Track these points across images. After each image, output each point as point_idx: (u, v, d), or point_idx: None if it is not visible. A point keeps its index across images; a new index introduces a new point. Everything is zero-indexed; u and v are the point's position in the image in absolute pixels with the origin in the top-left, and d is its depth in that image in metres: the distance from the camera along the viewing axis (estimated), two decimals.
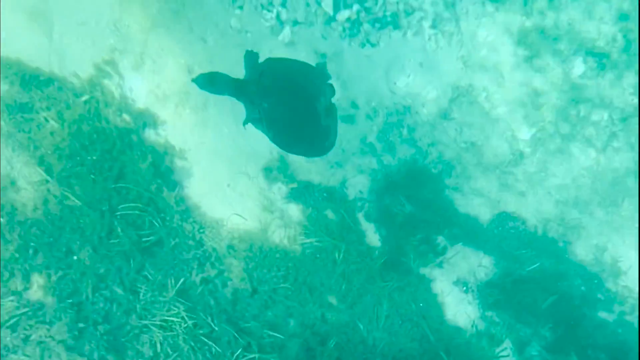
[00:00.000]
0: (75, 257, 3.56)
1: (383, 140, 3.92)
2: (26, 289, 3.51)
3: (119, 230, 3.56)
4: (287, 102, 2.70)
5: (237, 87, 2.74)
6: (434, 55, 3.75)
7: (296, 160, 3.97)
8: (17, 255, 3.60)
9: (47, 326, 3.34)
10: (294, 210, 3.87)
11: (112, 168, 3.77)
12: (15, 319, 3.38)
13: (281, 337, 3.49)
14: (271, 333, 3.51)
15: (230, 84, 2.75)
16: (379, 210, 3.87)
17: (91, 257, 3.56)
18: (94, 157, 3.77)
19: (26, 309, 3.36)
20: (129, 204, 3.68)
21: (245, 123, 2.88)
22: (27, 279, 3.51)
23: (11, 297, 3.45)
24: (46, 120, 3.91)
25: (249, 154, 3.91)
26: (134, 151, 3.90)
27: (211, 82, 2.76)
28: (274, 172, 3.90)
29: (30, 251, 3.54)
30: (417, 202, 3.83)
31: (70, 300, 3.45)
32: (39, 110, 3.91)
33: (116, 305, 3.54)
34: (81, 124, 3.89)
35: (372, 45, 3.76)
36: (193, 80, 2.78)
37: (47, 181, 3.80)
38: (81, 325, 3.50)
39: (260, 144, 4.04)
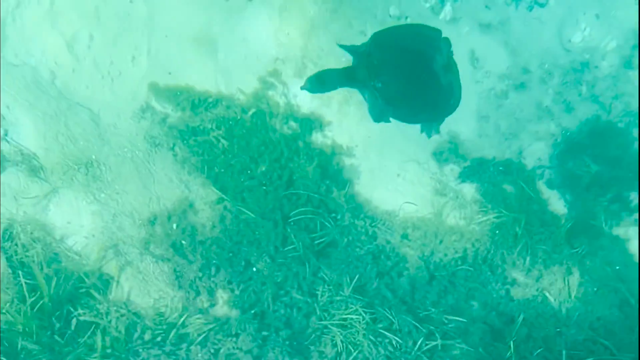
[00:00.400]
0: (254, 269, 3.67)
1: (560, 102, 3.77)
2: (212, 305, 3.67)
3: (292, 236, 3.64)
4: (401, 73, 2.51)
5: (347, 76, 2.55)
6: (610, 2, 3.58)
7: (468, 139, 3.88)
8: (200, 274, 3.83)
9: (234, 338, 3.45)
10: (469, 189, 3.80)
11: (282, 176, 3.95)
12: (203, 335, 3.59)
13: (464, 320, 3.43)
14: (453, 318, 3.45)
15: (339, 75, 2.56)
16: (561, 175, 3.73)
17: (269, 266, 3.65)
18: (263, 168, 3.92)
19: (213, 325, 3.49)
20: (300, 209, 3.77)
21: (376, 119, 2.70)
22: (212, 295, 3.66)
23: (198, 315, 3.68)
24: (217, 139, 4.06)
25: (417, 140, 3.81)
26: (301, 157, 3.96)
27: (320, 82, 2.55)
28: (444, 154, 3.84)
29: (213, 269, 3.65)
30: (604, 160, 3.66)
31: (252, 311, 3.55)
32: (209, 131, 4.07)
33: (296, 310, 3.60)
34: (250, 138, 4.04)
35: (541, 5, 3.65)
36: (302, 88, 2.55)
37: (223, 199, 4.00)
38: (264, 333, 3.64)
39: None
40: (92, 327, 3.37)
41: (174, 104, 4.05)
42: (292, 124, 4.05)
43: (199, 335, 3.56)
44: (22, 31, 3.94)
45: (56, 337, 3.26)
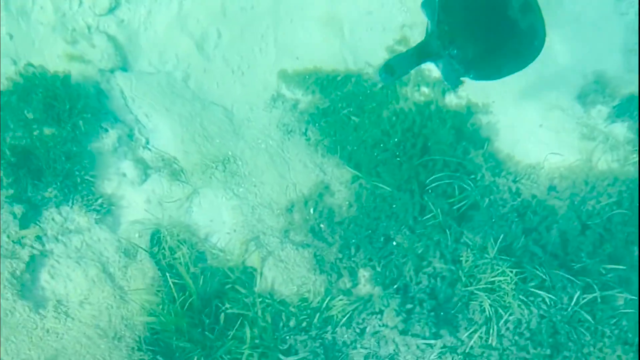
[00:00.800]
0: (394, 243, 5.06)
1: None
2: (354, 285, 5.06)
3: (431, 204, 4.98)
4: (476, 31, 3.54)
5: (419, 54, 3.70)
6: None
7: (615, 76, 5.08)
8: (340, 255, 5.35)
9: (378, 315, 5.02)
10: (620, 129, 5.07)
11: (415, 145, 5.48)
12: (347, 316, 5.11)
13: (624, 268, 4.53)
14: (612, 267, 4.57)
15: (411, 56, 3.72)
16: None
17: (409, 238, 4.99)
18: (396, 140, 5.56)
19: (356, 304, 4.91)
20: (437, 175, 5.42)
21: (454, 86, 4.17)
22: (353, 275, 5.04)
23: (341, 297, 5.22)
24: (348, 117, 6.51)
25: (558, 86, 5.19)
26: (434, 122, 5.52)
27: (389, 71, 3.75)
28: (590, 96, 5.07)
29: (352, 248, 5.05)
30: None
31: (395, 286, 4.91)
32: (340, 110, 6.43)
33: (440, 280, 4.90)
34: (380, 111, 5.55)
35: None
36: (380, 80, 3.98)
37: (357, 177, 6.02)
38: (408, 306, 5.05)
39: (569, 70, 5.52)
40: (240, 320, 5.05)
41: (304, 89, 5.89)
42: (424, 89, 5.68)
43: (343, 316, 5.11)
44: (155, 38, 6.23)
45: (207, 333, 4.95)
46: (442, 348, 5.19)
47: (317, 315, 5.13)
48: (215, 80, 6.32)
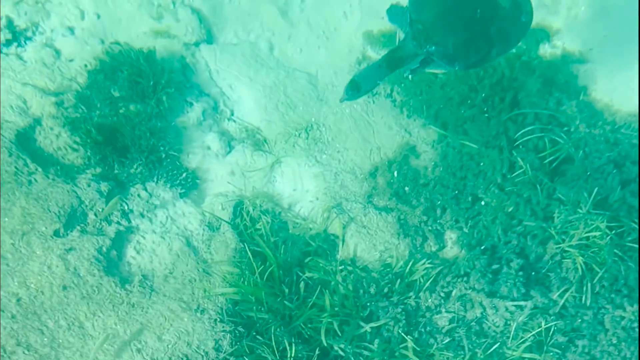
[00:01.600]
0: (482, 203, 7.15)
1: None
2: (440, 248, 6.98)
3: (520, 160, 7.01)
4: (453, 22, 4.66)
5: (390, 61, 4.92)
6: None
7: None
8: (425, 218, 7.31)
9: (464, 278, 6.55)
10: None
11: (504, 99, 7.29)
12: (431, 280, 6.96)
13: None
14: None
15: (379, 67, 4.92)
16: None
17: (497, 196, 7.05)
18: (483, 95, 7.40)
19: (440, 267, 6.71)
20: (527, 129, 7.15)
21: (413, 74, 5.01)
22: (439, 238, 7.00)
23: (424, 261, 7.05)
24: (434, 75, 8.83)
25: None
26: (525, 74, 7.30)
27: (355, 88, 5.09)
28: None
29: (438, 210, 7.35)
30: None
31: (482, 247, 6.74)
32: None
33: (530, 238, 6.55)
34: None
35: None
36: (342, 100, 5.36)
37: (444, 136, 8.35)
38: (495, 267, 6.70)
39: None
40: (319, 288, 6.85)
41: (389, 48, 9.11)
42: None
43: (426, 280, 6.94)
44: (239, 9, 8.62)
45: (286, 302, 6.75)
46: (532, 309, 6.73)
47: (399, 280, 7.00)
48: (299, 47, 8.61)
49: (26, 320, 6.32)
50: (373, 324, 6.84)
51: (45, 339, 6.11)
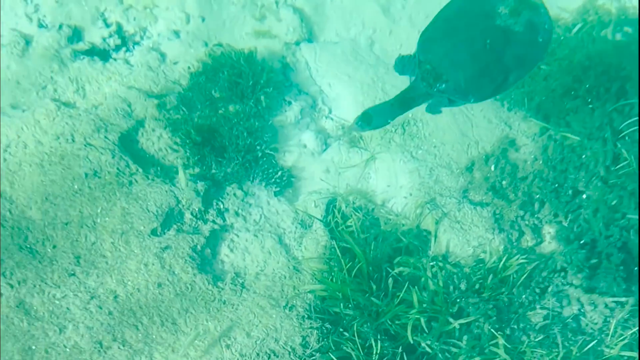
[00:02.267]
0: (583, 196, 7.58)
1: None
2: (538, 243, 7.44)
3: (625, 152, 7.23)
4: (462, 57, 4.99)
5: (402, 102, 5.32)
6: None
7: None
8: (522, 212, 7.74)
9: (562, 273, 7.08)
10: None
11: (610, 89, 7.64)
12: (526, 275, 7.29)
13: None
14: None
15: (392, 105, 5.35)
16: None
17: (600, 189, 7.35)
18: (587, 85, 7.82)
19: (536, 262, 7.09)
20: (634, 119, 7.41)
21: (433, 111, 5.36)
22: (537, 232, 7.44)
23: (518, 256, 7.39)
24: (538, 67, 9.48)
25: None
26: (634, 63, 7.65)
27: (366, 120, 5.35)
28: None
29: (536, 204, 8.02)
30: None
31: (581, 241, 7.17)
32: None
33: (634, 232, 6.93)
34: (573, 57, 8.12)
35: None
36: (354, 129, 5.47)
37: (545, 129, 8.92)
38: (593, 261, 7.10)
39: None
40: (406, 284, 7.27)
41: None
42: (627, 29, 8.05)
43: (521, 276, 7.30)
44: (341, 7, 9.49)
45: (373, 298, 7.21)
46: (633, 306, 6.90)
47: (491, 276, 7.35)
48: (400, 42, 9.35)
49: (122, 317, 6.92)
50: (462, 321, 7.11)
51: (140, 335, 6.62)
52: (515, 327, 7.09)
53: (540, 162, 7.89)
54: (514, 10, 5.02)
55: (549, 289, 7.28)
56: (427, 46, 5.17)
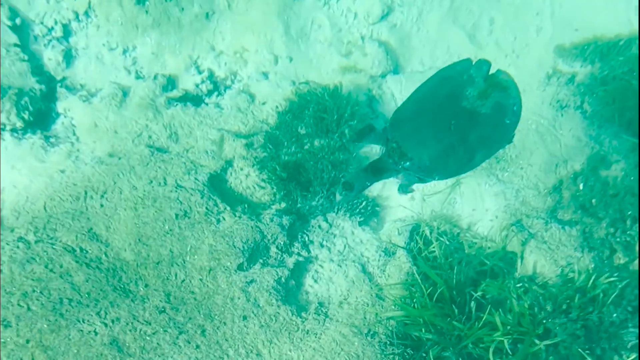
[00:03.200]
0: None
1: None
2: (630, 260, 7.36)
3: None
4: (427, 137, 5.26)
5: (374, 171, 5.53)
6: None
7: None
8: (612, 229, 7.87)
9: None
10: None
11: None
12: (616, 294, 7.01)
13: None
14: None
15: (367, 172, 5.53)
16: None
17: None
18: None
19: (627, 280, 7.00)
20: None
21: (405, 191, 5.69)
22: (630, 249, 7.34)
23: (608, 274, 7.23)
24: (628, 81, 9.16)
25: None
26: None
27: (351, 185, 5.50)
28: None
29: (628, 221, 8.09)
30: None
31: None
32: (620, 76, 8.85)
33: None
34: None
35: None
36: (338, 201, 6.08)
37: (638, 144, 8.85)
38: None
39: None
40: (488, 308, 7.15)
41: (581, 60, 8.65)
42: None
43: (611, 294, 7.02)
44: (427, 37, 9.99)
45: (455, 322, 7.16)
46: None
47: (579, 295, 7.18)
48: None
49: (209, 350, 7.16)
50: (549, 342, 7.01)
51: None
52: (607, 346, 6.82)
53: (632, 178, 7.60)
54: (483, 93, 5.30)
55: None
56: (396, 125, 5.43)
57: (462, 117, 5.34)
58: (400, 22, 9.71)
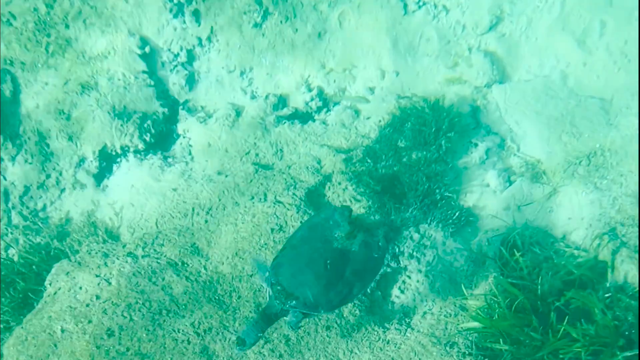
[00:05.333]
0: None
1: None
2: None
3: None
4: (306, 277, 6.14)
5: (264, 317, 6.17)
6: None
7: None
8: None
9: None
10: None
11: None
12: None
13: None
14: None
15: (257, 322, 6.20)
16: None
17: None
18: None
19: None
20: None
21: (295, 327, 6.24)
22: None
23: None
24: None
25: None
26: None
27: (240, 343, 6.12)
28: None
29: None
30: None
31: None
32: None
33: None
34: None
35: None
36: (238, 350, 6.18)
37: None
38: None
39: None
40: (566, 318, 6.92)
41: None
42: None
43: None
44: (535, 45, 9.35)
45: (532, 333, 6.96)
46: None
47: None
48: (596, 73, 9.16)
49: (290, 358, 7.57)
50: (629, 353, 6.78)
51: None
52: None
53: None
54: (350, 234, 6.49)
55: None
56: (277, 270, 6.21)
57: (335, 257, 6.39)
58: (509, 31, 9.80)
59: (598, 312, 6.77)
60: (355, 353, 7.35)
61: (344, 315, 7.62)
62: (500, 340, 6.93)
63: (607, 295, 7.12)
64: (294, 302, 6.19)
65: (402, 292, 8.07)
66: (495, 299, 7.34)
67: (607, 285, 7.47)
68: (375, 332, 7.52)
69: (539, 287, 7.35)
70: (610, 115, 8.68)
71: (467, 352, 7.16)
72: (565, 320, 6.86)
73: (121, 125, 9.85)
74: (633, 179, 7.85)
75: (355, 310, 7.67)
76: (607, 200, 8.01)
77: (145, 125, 9.97)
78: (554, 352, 6.82)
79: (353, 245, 6.46)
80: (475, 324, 7.23)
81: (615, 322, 6.77)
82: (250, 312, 7.60)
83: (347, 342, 7.45)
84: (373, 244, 6.59)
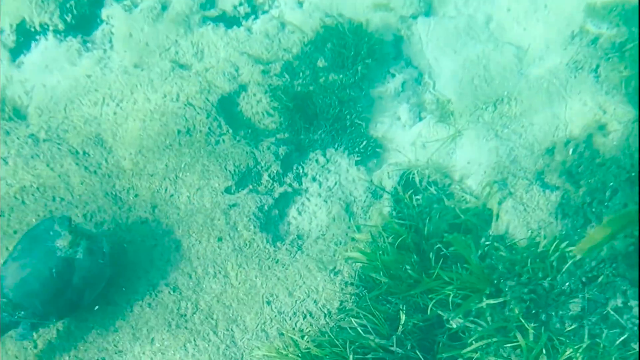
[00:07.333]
0: None
1: None
2: None
3: None
4: (36, 285, 6.81)
5: None
6: None
7: None
8: (589, 199, 7.46)
9: (613, 264, 6.88)
10: None
11: None
12: (573, 263, 7.06)
13: None
14: None
15: None
16: None
17: None
18: None
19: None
20: None
21: (26, 338, 6.82)
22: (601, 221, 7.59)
23: (566, 242, 7.21)
24: None
25: None
26: None
27: None
28: None
29: (607, 192, 7.72)
30: None
31: None
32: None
33: None
34: None
35: None
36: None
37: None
38: None
39: None
40: (440, 261, 7.52)
41: (608, 22, 8.73)
42: None
43: (567, 263, 7.11)
44: None
45: (410, 271, 7.54)
46: None
47: (531, 259, 7.59)
48: (517, 20, 9.58)
49: (179, 264, 8.11)
50: (492, 301, 7.38)
51: (191, 283, 7.87)
52: (553, 313, 7.12)
53: (619, 149, 7.74)
54: (72, 242, 6.99)
55: (599, 280, 7.23)
56: (1, 283, 6.56)
57: (61, 265, 6.89)
58: None
59: (473, 258, 7.35)
60: (244, 268, 7.81)
61: (238, 229, 8.09)
62: (381, 273, 7.48)
63: (487, 243, 7.76)
64: (22, 312, 6.66)
65: (299, 213, 8.57)
66: (382, 234, 7.85)
67: (489, 233, 7.98)
68: (267, 250, 8.02)
69: (426, 227, 7.85)
70: (522, 65, 9.17)
71: (349, 282, 7.64)
72: (443, 262, 7.50)
73: (42, 1, 9.88)
74: (532, 130, 8.29)
75: (249, 225, 8.13)
76: (504, 150, 8.51)
77: (68, 5, 10.00)
78: (427, 292, 7.36)
79: (77, 252, 7.02)
80: (360, 256, 7.71)
81: (487, 270, 7.38)
82: (145, 212, 8.22)
83: (237, 256, 7.94)
84: (97, 251, 7.17)
